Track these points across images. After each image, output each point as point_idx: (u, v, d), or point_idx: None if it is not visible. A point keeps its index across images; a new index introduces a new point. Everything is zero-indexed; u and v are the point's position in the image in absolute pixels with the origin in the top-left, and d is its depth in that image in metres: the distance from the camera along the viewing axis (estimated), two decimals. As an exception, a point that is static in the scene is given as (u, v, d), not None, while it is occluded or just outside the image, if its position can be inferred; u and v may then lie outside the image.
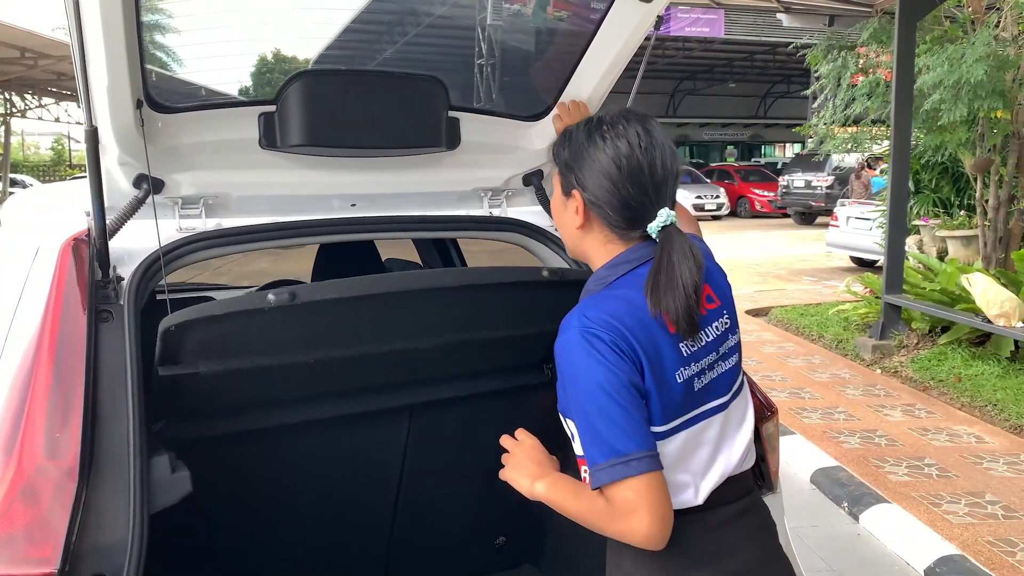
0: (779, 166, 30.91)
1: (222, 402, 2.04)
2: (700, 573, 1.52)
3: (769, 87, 40.25)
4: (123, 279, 1.85)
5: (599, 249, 1.57)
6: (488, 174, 2.49)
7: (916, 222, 9.82)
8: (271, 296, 1.73)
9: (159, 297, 1.99)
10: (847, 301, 9.58)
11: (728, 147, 44.26)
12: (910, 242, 9.48)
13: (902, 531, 4.41)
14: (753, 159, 41.24)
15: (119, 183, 1.96)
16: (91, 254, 1.83)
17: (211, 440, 2.09)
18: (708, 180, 28.23)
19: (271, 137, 2.09)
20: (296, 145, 2.09)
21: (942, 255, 9.37)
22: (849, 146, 9.81)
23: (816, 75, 9.50)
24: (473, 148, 2.36)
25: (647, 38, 2.32)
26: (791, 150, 40.42)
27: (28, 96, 30.76)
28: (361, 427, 2.33)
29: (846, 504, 4.81)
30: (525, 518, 2.73)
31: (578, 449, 1.45)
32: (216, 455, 2.14)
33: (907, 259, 8.45)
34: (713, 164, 34.70)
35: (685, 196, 26.32)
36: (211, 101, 2.11)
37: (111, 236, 1.87)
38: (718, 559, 1.54)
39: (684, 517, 1.48)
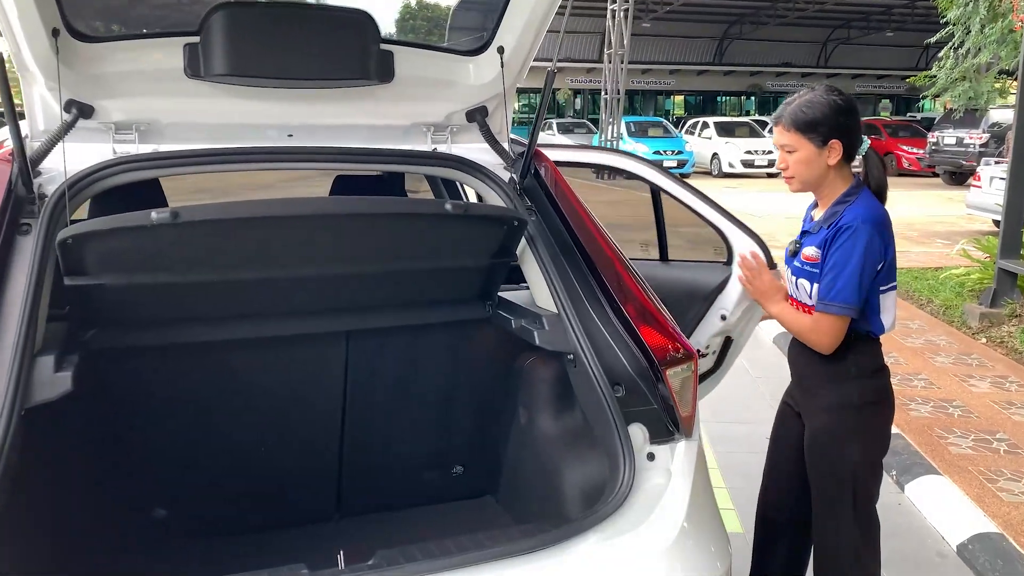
0: (937, 121, 28.84)
1: (147, 315, 2.18)
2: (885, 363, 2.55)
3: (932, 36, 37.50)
4: (47, 196, 2.00)
5: (837, 178, 2.46)
6: (427, 109, 2.50)
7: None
8: (154, 214, 1.83)
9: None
10: (961, 266, 8.96)
11: (882, 101, 41.68)
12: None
13: (946, 505, 4.17)
14: (909, 114, 38.61)
15: (52, 107, 2.12)
16: (12, 173, 1.99)
17: (147, 350, 2.24)
18: (852, 135, 26.68)
19: (195, 67, 2.18)
20: (220, 75, 2.18)
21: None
22: (970, 96, 9.06)
23: (943, 21, 8.80)
24: (408, 82, 2.38)
25: None
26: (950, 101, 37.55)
27: None
28: (295, 349, 2.43)
29: (894, 472, 4.59)
30: (481, 449, 2.79)
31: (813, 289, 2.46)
32: (155, 366, 2.30)
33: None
34: (863, 118, 32.74)
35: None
36: (134, 31, 2.22)
37: (43, 157, 2.03)
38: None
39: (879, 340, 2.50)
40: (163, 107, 2.26)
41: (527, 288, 2.48)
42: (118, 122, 2.24)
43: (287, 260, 2.12)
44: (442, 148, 2.55)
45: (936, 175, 23.30)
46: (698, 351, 3.50)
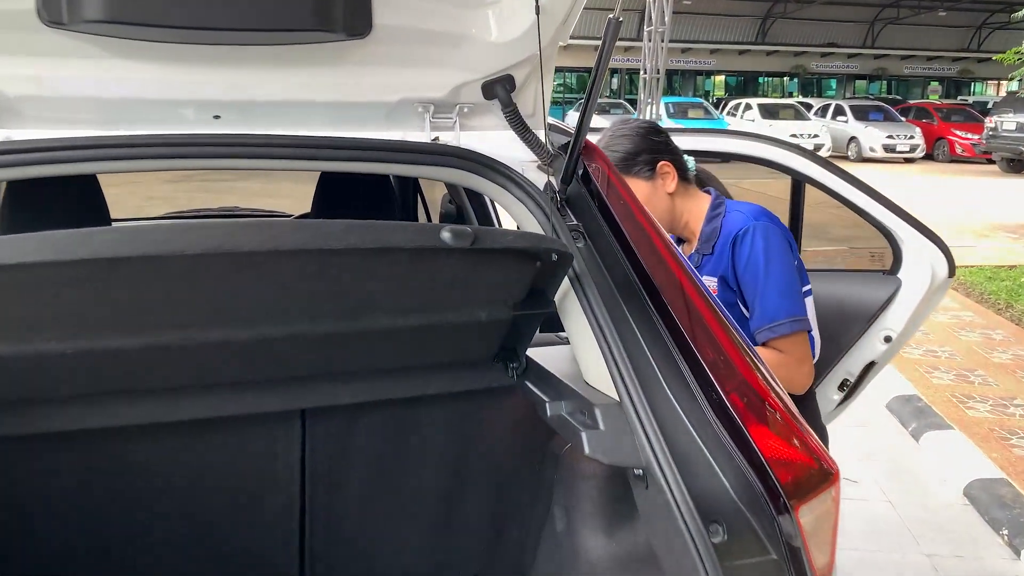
0: (989, 106, 27.53)
1: None
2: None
3: (987, 16, 35.89)
4: None
5: (689, 201, 2.18)
6: (423, 78, 1.69)
7: None
8: None
9: None
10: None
11: (932, 83, 40.17)
12: None
13: (1079, 581, 3.37)
14: (960, 97, 37.13)
15: None
16: None
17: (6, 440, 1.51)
18: (903, 119, 25.56)
19: (55, 9, 1.41)
20: (96, 21, 1.41)
21: None
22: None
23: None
24: (395, 37, 1.58)
25: None
26: (1008, 88, 36.04)
27: None
28: (227, 435, 1.68)
29: (1006, 532, 3.78)
30: (501, 557, 2.03)
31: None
32: (9, 463, 1.57)
33: None
34: (912, 101, 31.50)
35: (874, 135, 23.94)
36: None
37: None
38: None
39: None
40: (9, 72, 1.51)
41: (567, 342, 1.70)
42: None
43: (190, 317, 1.36)
44: (446, 137, 1.76)
45: (992, 162, 22.24)
46: (845, 381, 2.70)
